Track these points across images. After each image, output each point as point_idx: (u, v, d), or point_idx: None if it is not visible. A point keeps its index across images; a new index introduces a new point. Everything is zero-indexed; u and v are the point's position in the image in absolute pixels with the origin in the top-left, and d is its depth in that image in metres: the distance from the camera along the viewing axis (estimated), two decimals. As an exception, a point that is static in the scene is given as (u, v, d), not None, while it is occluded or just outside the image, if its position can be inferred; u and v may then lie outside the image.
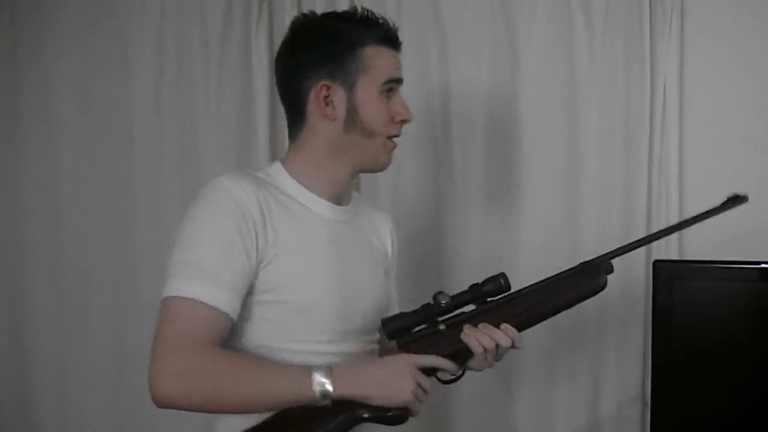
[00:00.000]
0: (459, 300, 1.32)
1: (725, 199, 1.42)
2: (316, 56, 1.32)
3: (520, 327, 1.32)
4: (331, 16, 1.39)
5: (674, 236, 1.91)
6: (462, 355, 1.31)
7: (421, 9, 2.06)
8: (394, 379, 1.23)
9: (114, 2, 2.23)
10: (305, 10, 2.00)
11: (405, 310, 1.33)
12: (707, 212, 1.44)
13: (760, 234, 1.90)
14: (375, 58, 1.32)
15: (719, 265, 1.75)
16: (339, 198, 1.38)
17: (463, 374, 1.33)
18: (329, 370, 1.19)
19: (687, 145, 1.93)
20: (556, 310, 1.36)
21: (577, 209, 1.98)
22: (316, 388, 1.18)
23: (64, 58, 2.28)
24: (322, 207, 1.34)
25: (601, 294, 1.89)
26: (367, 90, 1.32)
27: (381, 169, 1.39)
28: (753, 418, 1.71)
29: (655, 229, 1.93)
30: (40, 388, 2.35)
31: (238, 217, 1.22)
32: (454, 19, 2.05)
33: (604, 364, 1.98)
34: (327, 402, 1.18)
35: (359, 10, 1.35)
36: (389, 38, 1.35)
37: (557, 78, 1.98)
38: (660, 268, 1.75)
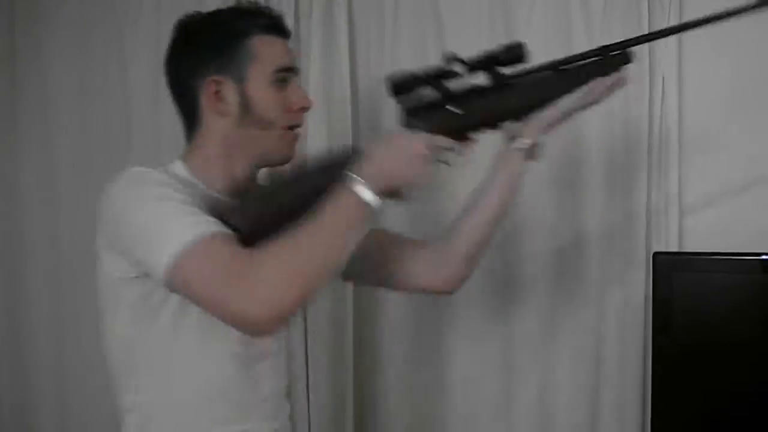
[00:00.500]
0: (473, 65, 1.32)
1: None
2: (203, 53, 1.29)
3: (530, 111, 1.34)
4: (215, 12, 1.35)
5: (674, 228, 1.91)
6: (467, 137, 1.33)
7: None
8: (411, 162, 1.24)
9: (112, 1, 2.24)
10: (303, 11, 2.07)
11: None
12: (737, 9, 1.33)
13: (761, 226, 1.89)
14: (263, 47, 1.29)
15: (719, 257, 1.75)
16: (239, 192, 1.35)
17: (470, 155, 1.35)
18: (362, 182, 1.19)
19: (686, 137, 1.92)
20: (568, 95, 1.35)
21: (577, 198, 1.98)
22: (367, 199, 1.19)
23: (63, 57, 2.29)
24: None
25: (602, 286, 1.93)
26: (258, 80, 1.29)
27: (283, 162, 1.34)
28: (753, 410, 1.71)
29: (654, 219, 1.93)
30: (37, 387, 2.36)
31: (172, 184, 1.21)
32: (452, 14, 2.04)
33: (604, 356, 1.97)
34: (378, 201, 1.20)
35: (243, 2, 1.35)
36: (275, 26, 1.32)
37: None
38: (660, 260, 1.76)
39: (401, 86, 1.32)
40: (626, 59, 1.36)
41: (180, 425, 1.28)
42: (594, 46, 1.88)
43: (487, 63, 1.33)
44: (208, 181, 1.31)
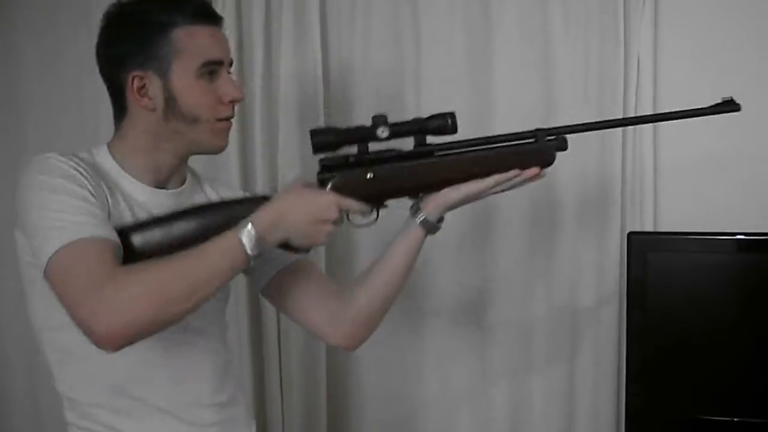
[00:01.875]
0: (398, 130, 1.30)
1: (719, 101, 1.38)
2: (126, 47, 1.26)
3: (442, 186, 1.32)
4: (140, 2, 1.29)
5: (649, 208, 1.91)
6: (378, 202, 1.31)
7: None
8: (317, 224, 1.23)
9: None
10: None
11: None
12: (697, 110, 1.39)
13: (734, 207, 1.90)
14: (187, 40, 1.25)
15: (694, 236, 1.76)
16: (164, 182, 1.33)
17: (376, 220, 1.33)
18: (252, 227, 1.17)
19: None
20: (491, 175, 1.33)
21: (551, 185, 1.96)
22: (247, 245, 1.17)
23: (31, 32, 2.24)
24: (139, 191, 1.30)
25: (576, 264, 1.93)
26: (183, 75, 1.25)
27: (215, 152, 1.32)
28: (727, 387, 1.72)
29: (629, 204, 1.93)
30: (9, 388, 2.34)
31: (79, 178, 1.19)
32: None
33: (580, 336, 1.98)
34: (257, 255, 1.18)
35: None
36: (203, 14, 1.28)
37: (531, 51, 1.96)
38: (634, 239, 1.76)
39: (323, 141, 1.29)
40: (562, 146, 1.35)
41: (99, 415, 1.28)
42: (569, 27, 1.92)
43: (413, 130, 1.32)
44: (133, 171, 1.29)
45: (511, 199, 1.95)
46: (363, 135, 1.30)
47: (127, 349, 1.14)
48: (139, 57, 1.25)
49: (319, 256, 2.00)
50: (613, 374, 1.95)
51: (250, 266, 1.21)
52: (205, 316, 1.33)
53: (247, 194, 1.44)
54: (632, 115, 1.90)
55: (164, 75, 1.25)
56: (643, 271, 1.73)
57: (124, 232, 1.21)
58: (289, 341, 2.06)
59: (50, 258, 1.12)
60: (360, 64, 2.03)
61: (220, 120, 1.29)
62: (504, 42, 1.97)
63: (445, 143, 1.33)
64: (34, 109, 2.26)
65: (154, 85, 1.26)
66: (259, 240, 1.18)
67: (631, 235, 1.77)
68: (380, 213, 1.33)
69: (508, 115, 1.95)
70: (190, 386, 1.32)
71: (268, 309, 2.05)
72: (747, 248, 1.71)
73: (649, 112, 1.89)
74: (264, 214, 1.21)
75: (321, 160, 1.31)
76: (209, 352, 1.36)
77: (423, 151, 1.33)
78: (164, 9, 1.26)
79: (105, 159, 1.29)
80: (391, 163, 1.32)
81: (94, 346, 1.12)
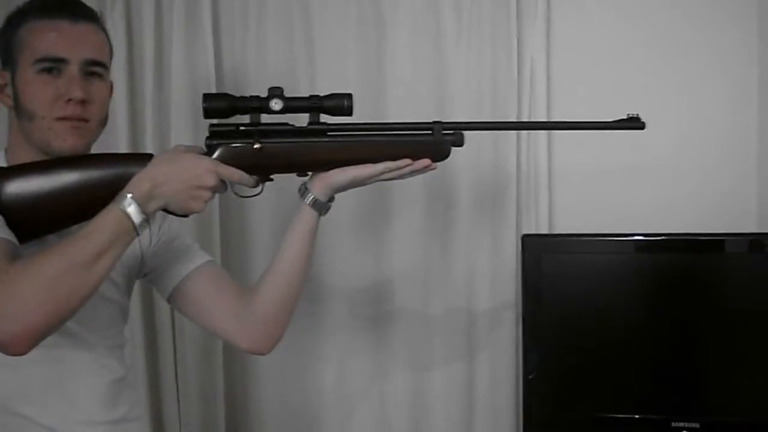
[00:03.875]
0: (293, 105, 1.30)
1: (625, 116, 1.41)
2: None
3: (330, 167, 1.31)
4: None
5: (544, 211, 1.93)
6: (264, 174, 1.31)
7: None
8: (193, 189, 1.21)
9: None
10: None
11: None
12: (601, 123, 1.42)
13: (629, 210, 1.94)
14: (30, 35, 1.24)
15: (586, 238, 1.78)
16: None
17: (260, 192, 1.33)
18: (131, 197, 1.15)
19: (554, 120, 1.94)
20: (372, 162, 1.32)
21: (449, 183, 1.96)
22: (132, 215, 1.15)
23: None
24: None
25: (473, 270, 1.93)
26: (24, 71, 1.23)
27: (61, 152, 1.25)
28: (623, 385, 1.76)
29: (524, 207, 1.95)
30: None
31: None
32: (319, 2, 1.99)
33: (478, 334, 1.98)
34: (145, 222, 1.17)
35: None
36: (50, 8, 1.25)
37: (425, 56, 1.96)
38: (528, 241, 1.78)
39: (214, 107, 1.29)
40: (458, 141, 1.35)
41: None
42: (462, 28, 1.93)
43: (308, 106, 1.31)
44: None
45: (408, 196, 1.97)
46: (256, 105, 1.29)
47: (11, 364, 1.10)
48: (1, 54, 1.26)
49: (213, 241, 1.96)
50: (511, 372, 1.96)
51: (146, 252, 1.24)
52: (96, 331, 1.29)
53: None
54: (525, 118, 1.92)
55: (13, 71, 1.24)
56: (538, 273, 1.75)
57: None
58: (185, 343, 2.00)
59: None
60: (253, 67, 1.99)
61: (59, 119, 1.23)
62: (397, 45, 1.97)
63: (339, 124, 1.33)
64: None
65: (8, 82, 1.25)
66: (141, 208, 1.16)
67: (525, 237, 1.79)
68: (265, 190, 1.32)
69: (401, 117, 1.92)
70: (79, 403, 1.27)
71: (163, 308, 1.98)
72: (640, 249, 1.76)
73: (543, 114, 1.92)
74: (140, 182, 1.18)
75: (210, 126, 1.30)
76: (100, 368, 1.31)
77: (316, 129, 1.32)
78: (23, 6, 1.26)
79: None
80: (282, 137, 1.30)
81: None
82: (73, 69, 1.23)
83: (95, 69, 1.26)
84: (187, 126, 1.97)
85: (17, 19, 1.25)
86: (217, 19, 2.00)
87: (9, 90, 1.25)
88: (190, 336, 1.99)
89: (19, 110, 1.24)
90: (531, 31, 1.92)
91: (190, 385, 2.01)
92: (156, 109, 1.99)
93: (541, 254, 1.75)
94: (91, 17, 1.28)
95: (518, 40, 1.92)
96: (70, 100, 1.22)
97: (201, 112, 1.91)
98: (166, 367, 2.00)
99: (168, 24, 1.97)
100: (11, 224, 1.16)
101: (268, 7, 1.99)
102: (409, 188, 1.94)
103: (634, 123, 1.41)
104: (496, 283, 1.96)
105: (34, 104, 1.22)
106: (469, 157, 1.90)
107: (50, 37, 1.23)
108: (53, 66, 1.22)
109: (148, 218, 1.17)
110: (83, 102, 1.23)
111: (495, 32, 1.93)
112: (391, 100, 1.97)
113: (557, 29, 1.96)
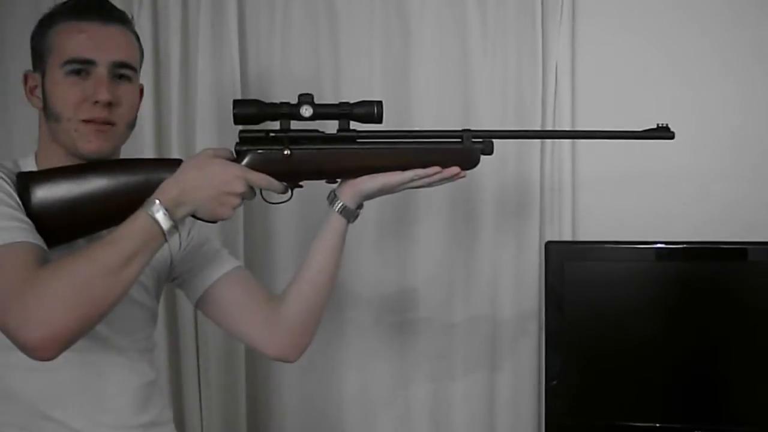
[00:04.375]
0: (323, 112, 1.30)
1: (654, 126, 1.41)
2: (31, 46, 1.28)
3: (359, 174, 1.32)
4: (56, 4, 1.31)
5: (568, 219, 1.93)
6: (293, 181, 1.31)
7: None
8: (222, 196, 1.21)
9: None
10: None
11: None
12: (630, 132, 1.43)
13: (653, 217, 1.93)
14: (59, 37, 1.24)
15: (610, 245, 1.78)
16: None
17: (290, 198, 1.33)
18: (159, 203, 1.16)
19: (579, 128, 1.94)
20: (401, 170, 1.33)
21: (473, 191, 1.97)
22: (160, 221, 1.15)
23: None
24: None
25: (496, 277, 1.94)
26: (52, 73, 1.24)
27: (89, 156, 1.25)
28: (646, 394, 1.75)
29: (548, 217, 1.95)
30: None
31: (4, 186, 1.18)
32: (345, 9, 2.00)
33: (501, 342, 1.98)
34: (174, 228, 1.17)
35: None
36: (80, 10, 1.25)
37: (450, 63, 1.96)
38: (551, 248, 1.78)
39: (244, 113, 1.29)
40: (488, 149, 1.35)
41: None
42: (487, 34, 1.93)
43: (338, 113, 1.31)
44: None
45: (432, 204, 1.97)
46: (286, 112, 1.30)
47: (42, 368, 1.10)
48: (33, 57, 1.27)
49: (237, 246, 1.96)
50: (534, 379, 1.96)
51: (173, 261, 1.25)
52: (126, 335, 1.30)
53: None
54: (549, 125, 1.92)
55: (43, 73, 1.25)
56: (561, 280, 1.75)
57: (28, 177, 1.19)
58: (208, 348, 2.00)
59: None
60: (279, 73, 2.00)
61: (85, 121, 1.23)
62: (422, 53, 1.97)
63: (369, 131, 1.33)
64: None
65: (38, 84, 1.26)
66: (169, 214, 1.16)
67: (548, 244, 1.79)
68: (294, 194, 1.32)
69: (425, 124, 1.94)
70: (110, 407, 1.28)
71: (186, 312, 1.99)
72: (663, 257, 1.75)
73: (567, 120, 1.92)
74: (168, 188, 1.18)
75: (240, 132, 1.30)
76: (130, 372, 1.32)
77: (345, 136, 1.32)
78: (54, 9, 1.27)
79: (28, 166, 1.27)
80: (311, 144, 1.31)
81: (7, 362, 1.10)
82: (101, 71, 1.23)
83: (124, 71, 1.27)
84: (213, 130, 1.97)
85: (48, 21, 1.26)
86: (242, 25, 2.01)
87: (39, 92, 1.26)
88: (213, 341, 2.00)
89: (47, 112, 1.25)
90: (555, 37, 1.92)
91: (212, 391, 2.02)
92: (182, 113, 2.00)
93: (564, 261, 1.75)
94: (121, 19, 1.28)
95: (543, 51, 1.92)
96: (96, 102, 1.22)
97: (226, 117, 1.96)
98: (188, 372, 2.01)
99: (194, 29, 1.99)
100: (40, 229, 1.17)
101: (293, 13, 2.00)
102: (433, 196, 1.94)
103: (663, 133, 1.41)
104: (519, 291, 1.95)
105: (61, 106, 1.23)
106: (493, 164, 1.88)
107: (79, 39, 1.23)
108: (81, 68, 1.23)
109: (176, 224, 1.17)
110: (110, 104, 1.23)
111: (520, 39, 1.93)
112: (416, 107, 1.97)
113: (582, 35, 1.95)
